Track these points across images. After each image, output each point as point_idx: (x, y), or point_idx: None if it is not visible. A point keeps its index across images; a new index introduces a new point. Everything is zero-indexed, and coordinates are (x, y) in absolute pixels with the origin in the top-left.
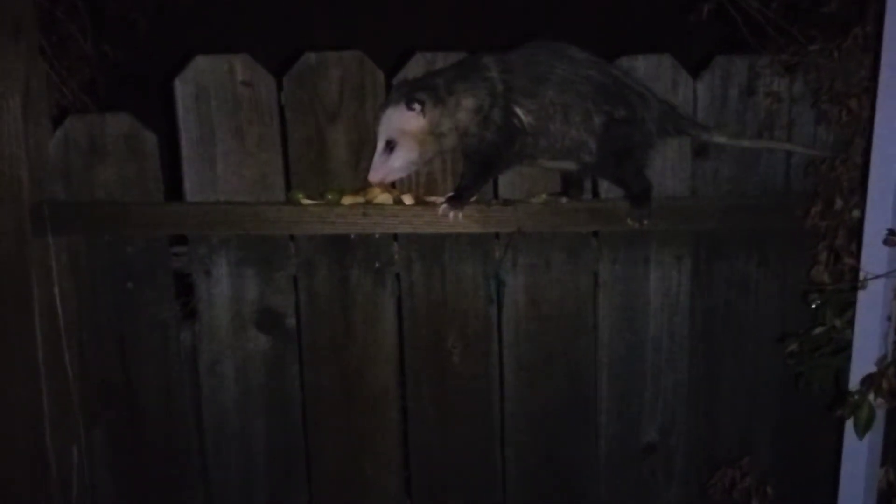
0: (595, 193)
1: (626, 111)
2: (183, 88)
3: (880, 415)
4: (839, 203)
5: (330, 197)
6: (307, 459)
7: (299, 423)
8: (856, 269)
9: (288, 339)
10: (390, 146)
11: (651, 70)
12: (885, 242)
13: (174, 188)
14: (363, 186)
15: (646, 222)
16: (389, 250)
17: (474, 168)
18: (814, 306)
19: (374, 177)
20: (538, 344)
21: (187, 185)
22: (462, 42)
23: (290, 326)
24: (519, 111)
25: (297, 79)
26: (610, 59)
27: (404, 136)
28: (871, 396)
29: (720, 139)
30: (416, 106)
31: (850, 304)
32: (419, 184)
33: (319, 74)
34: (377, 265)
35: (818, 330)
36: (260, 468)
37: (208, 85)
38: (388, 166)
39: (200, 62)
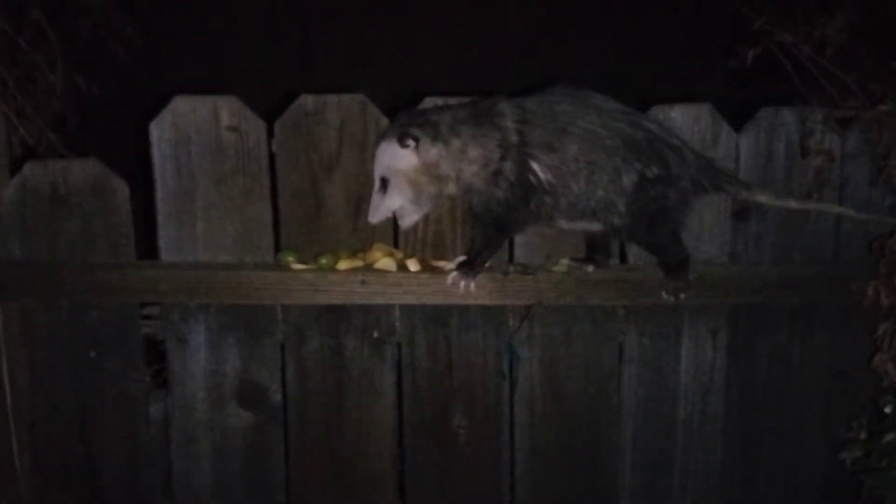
0: (623, 258)
1: (660, 168)
2: (159, 133)
3: None
4: None
5: (324, 262)
6: None
7: None
8: None
9: (273, 417)
10: (384, 184)
11: (689, 121)
12: None
13: (149, 244)
14: (362, 248)
15: (682, 296)
16: (390, 318)
17: (486, 230)
18: (887, 410)
19: (372, 218)
20: (555, 425)
21: (162, 242)
22: (476, 87)
23: (276, 402)
24: (536, 167)
25: (291, 124)
26: (642, 110)
27: (397, 174)
28: None
29: (762, 198)
30: (410, 142)
31: None
32: (425, 244)
33: (316, 119)
34: (376, 334)
35: (889, 437)
36: None
37: (189, 130)
38: (385, 206)
39: (180, 104)
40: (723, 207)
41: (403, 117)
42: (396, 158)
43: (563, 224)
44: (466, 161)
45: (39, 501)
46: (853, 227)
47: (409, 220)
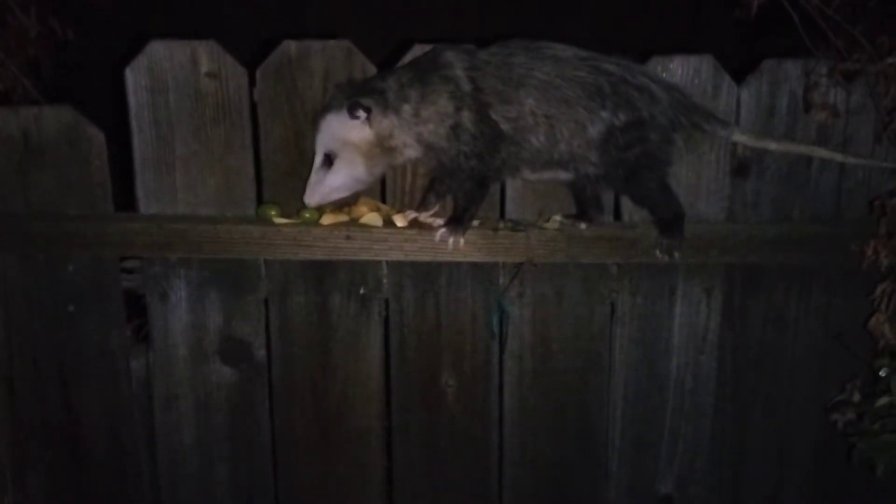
0: (617, 215)
1: (629, 114)
2: (135, 79)
3: None
4: None
5: (308, 216)
6: None
7: (268, 469)
8: None
9: (256, 373)
10: (329, 160)
11: (689, 73)
12: None
13: (126, 197)
14: (347, 202)
15: (677, 255)
16: (377, 274)
17: (463, 186)
18: (882, 373)
19: (310, 198)
20: (544, 384)
21: (140, 193)
22: (469, 34)
23: (260, 358)
24: (494, 116)
25: (273, 71)
26: (641, 62)
27: (346, 147)
28: None
29: (741, 138)
30: (361, 113)
31: None
32: (413, 199)
33: (300, 66)
34: (362, 291)
35: (883, 401)
36: None
37: (166, 76)
38: (327, 185)
39: (156, 48)
40: (721, 164)
41: (345, 89)
42: (346, 130)
43: (528, 175)
44: (421, 123)
45: (19, 457)
46: (855, 184)
47: (341, 194)
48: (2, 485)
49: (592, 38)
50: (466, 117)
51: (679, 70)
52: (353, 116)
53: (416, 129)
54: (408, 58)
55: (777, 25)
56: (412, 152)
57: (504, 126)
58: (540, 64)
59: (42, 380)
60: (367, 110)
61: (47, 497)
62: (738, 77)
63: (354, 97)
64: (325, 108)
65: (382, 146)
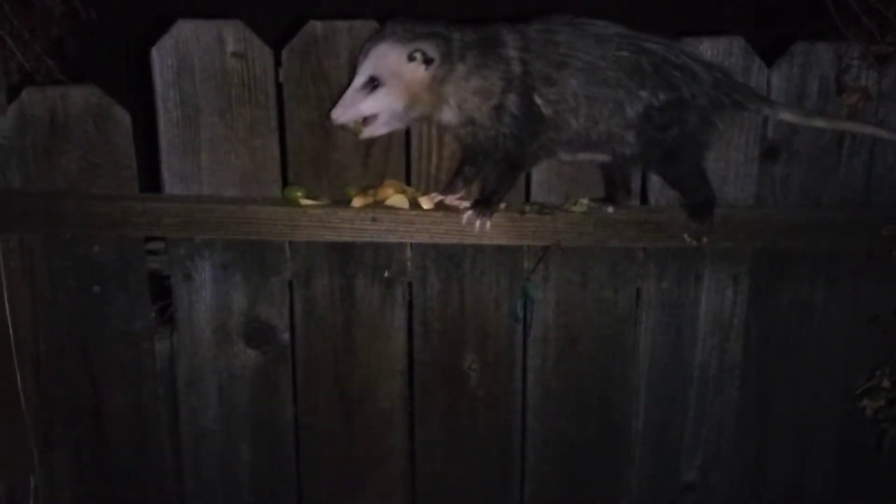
0: (644, 198)
1: (668, 93)
2: (161, 59)
3: None
4: None
5: (353, 193)
6: (298, 492)
7: (291, 451)
8: None
9: (280, 356)
10: (373, 84)
11: (719, 54)
12: None
13: (151, 177)
14: (373, 184)
15: (705, 239)
16: (402, 257)
17: (497, 167)
18: None
19: (340, 115)
20: (568, 369)
21: (165, 174)
22: (487, 14)
23: (284, 341)
24: (539, 100)
25: (299, 51)
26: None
27: (395, 79)
28: None
29: (788, 116)
30: (418, 55)
31: None
32: (439, 181)
33: (326, 47)
34: (387, 274)
35: None
36: (244, 501)
37: (192, 56)
38: (363, 107)
39: (183, 28)
40: (750, 147)
41: (407, 23)
42: (400, 65)
43: (564, 156)
44: (469, 91)
45: (44, 437)
46: (885, 170)
47: (374, 130)
48: (29, 464)
49: (618, 19)
50: (512, 100)
51: (709, 52)
52: (412, 58)
53: (461, 94)
54: None
55: (806, 9)
56: (450, 116)
57: (546, 110)
58: (583, 43)
59: (67, 360)
60: (430, 60)
61: (73, 476)
62: (769, 60)
63: (419, 39)
64: (379, 37)
65: (430, 92)
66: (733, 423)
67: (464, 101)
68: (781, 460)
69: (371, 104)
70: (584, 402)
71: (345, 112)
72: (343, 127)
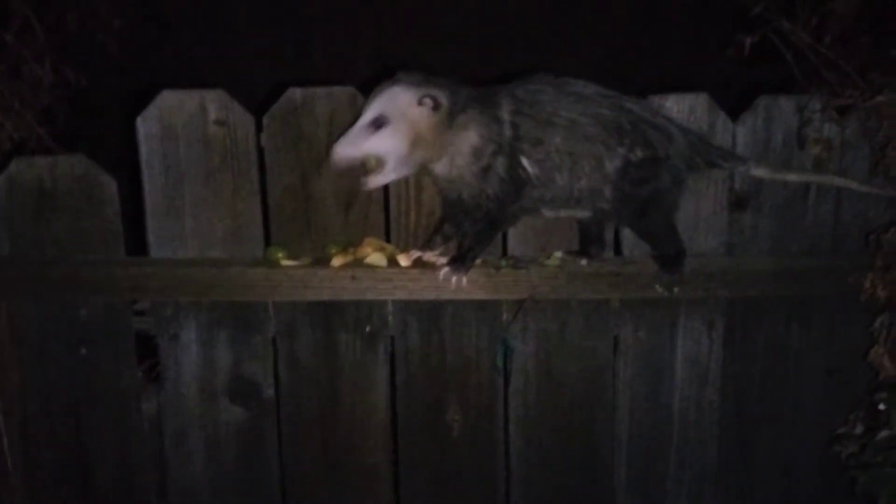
0: (617, 248)
1: (645, 150)
2: (146, 128)
3: None
4: None
5: (334, 251)
6: None
7: None
8: None
9: (265, 412)
10: (378, 123)
11: (684, 111)
12: None
13: (139, 240)
14: (353, 242)
15: (676, 290)
16: (383, 312)
17: (476, 225)
18: (881, 407)
19: (342, 149)
20: (550, 418)
21: (151, 238)
22: (472, 74)
23: (268, 397)
24: (525, 161)
25: (279, 117)
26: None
27: (402, 120)
28: None
29: (760, 172)
30: (428, 101)
31: None
32: (417, 237)
33: (305, 112)
34: (368, 328)
35: (883, 434)
36: None
37: (176, 124)
38: (367, 145)
39: (167, 98)
40: (719, 197)
41: (419, 73)
42: (409, 108)
43: (548, 213)
44: (464, 145)
45: (32, 498)
46: (852, 216)
47: (378, 179)
48: None
49: (593, 69)
50: (500, 163)
51: (675, 108)
52: (422, 102)
53: (457, 146)
54: None
55: (772, 59)
56: (442, 168)
57: (533, 169)
58: (565, 101)
59: (55, 421)
60: (438, 106)
61: None
62: (743, 104)
63: (429, 86)
64: (393, 81)
65: (432, 138)
66: (716, 467)
67: (458, 153)
68: (765, 502)
69: (375, 142)
70: (567, 451)
71: (347, 148)
72: (342, 170)
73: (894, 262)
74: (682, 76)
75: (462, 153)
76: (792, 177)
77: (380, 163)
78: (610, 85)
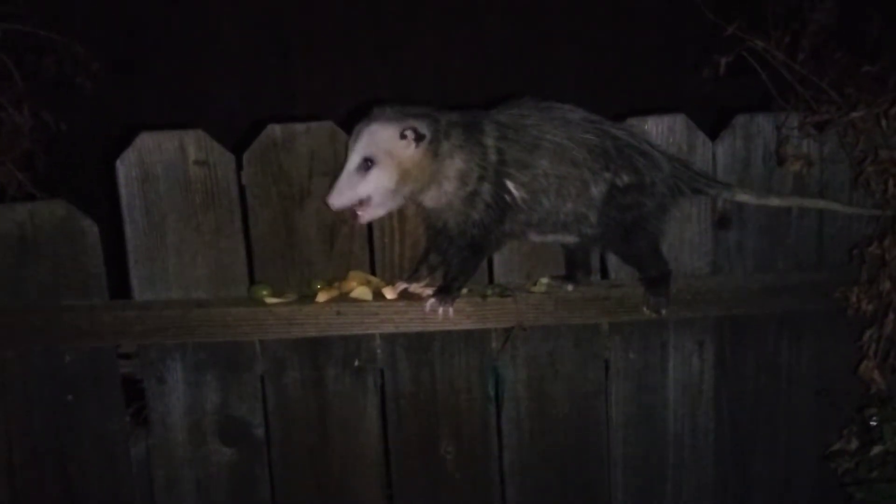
0: (604, 273)
1: (631, 176)
2: (126, 170)
3: None
4: (886, 284)
5: (319, 286)
6: None
7: None
8: None
9: (256, 452)
10: (367, 165)
11: (664, 132)
12: None
13: (122, 282)
14: (337, 276)
15: (664, 311)
16: (371, 346)
17: (461, 253)
18: (873, 423)
19: (336, 200)
20: (543, 445)
21: (134, 281)
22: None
23: (258, 437)
24: (510, 185)
25: (259, 155)
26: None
27: (388, 158)
28: None
29: (744, 197)
30: (409, 133)
31: None
32: (402, 269)
33: (285, 149)
34: (357, 363)
35: (877, 450)
36: None
37: (155, 166)
38: (359, 191)
39: (145, 140)
40: (703, 217)
41: (397, 104)
42: (392, 143)
43: (535, 238)
44: (451, 172)
45: None
46: (836, 231)
47: (372, 213)
48: None
49: (568, 97)
50: (486, 189)
51: (654, 129)
52: (403, 136)
53: (445, 173)
54: None
55: (749, 75)
56: (431, 196)
57: (519, 192)
58: (551, 125)
59: (42, 468)
60: (421, 137)
61: None
62: (723, 121)
63: (409, 119)
64: (370, 118)
65: (420, 170)
66: (712, 485)
67: (446, 179)
68: None
69: (366, 186)
70: (561, 477)
71: (341, 196)
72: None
73: (878, 275)
74: (659, 95)
75: (449, 178)
76: (776, 201)
77: (371, 199)
78: (587, 105)
